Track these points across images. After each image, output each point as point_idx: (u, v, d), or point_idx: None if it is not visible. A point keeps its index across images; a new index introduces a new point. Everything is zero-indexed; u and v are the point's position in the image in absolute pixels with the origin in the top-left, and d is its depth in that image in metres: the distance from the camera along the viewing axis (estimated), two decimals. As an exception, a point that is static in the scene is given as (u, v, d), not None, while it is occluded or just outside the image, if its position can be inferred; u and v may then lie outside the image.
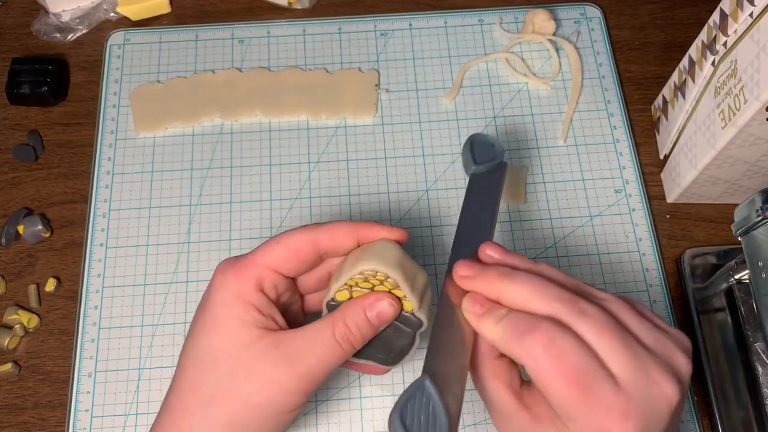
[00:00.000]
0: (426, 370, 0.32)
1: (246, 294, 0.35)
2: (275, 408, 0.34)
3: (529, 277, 0.33)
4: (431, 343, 0.34)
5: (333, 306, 0.37)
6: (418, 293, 0.37)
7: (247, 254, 0.36)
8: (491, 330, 0.33)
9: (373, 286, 0.37)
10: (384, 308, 0.36)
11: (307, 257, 0.36)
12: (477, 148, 0.45)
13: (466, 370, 0.34)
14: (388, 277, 0.36)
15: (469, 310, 0.34)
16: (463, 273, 0.35)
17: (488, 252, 0.36)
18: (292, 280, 0.38)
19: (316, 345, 0.34)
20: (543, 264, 0.35)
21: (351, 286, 0.37)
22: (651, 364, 0.31)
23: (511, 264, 0.35)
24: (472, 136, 0.46)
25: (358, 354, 0.37)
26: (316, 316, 0.38)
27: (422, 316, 0.37)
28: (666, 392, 0.31)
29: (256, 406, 0.34)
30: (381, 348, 0.38)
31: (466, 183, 0.44)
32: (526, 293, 0.33)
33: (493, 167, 0.44)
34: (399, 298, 0.37)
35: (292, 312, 0.39)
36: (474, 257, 0.37)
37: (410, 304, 0.36)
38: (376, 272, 0.36)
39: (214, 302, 0.35)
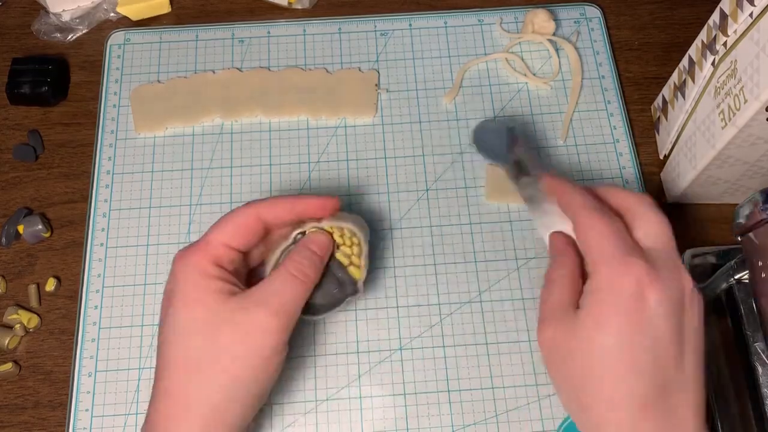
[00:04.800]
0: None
1: (208, 270, 0.38)
2: (262, 352, 0.37)
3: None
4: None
5: (298, 238, 0.43)
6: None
7: (201, 237, 0.40)
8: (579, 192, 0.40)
9: (341, 244, 0.44)
10: (321, 239, 0.42)
11: (254, 230, 0.40)
12: (489, 139, 0.49)
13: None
14: (359, 244, 0.44)
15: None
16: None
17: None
18: (248, 262, 0.42)
19: (280, 284, 0.39)
20: None
21: (325, 230, 0.43)
22: (636, 251, 0.37)
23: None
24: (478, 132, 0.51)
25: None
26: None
27: (361, 287, 0.44)
28: (637, 267, 0.36)
29: (247, 355, 0.37)
30: (315, 294, 0.42)
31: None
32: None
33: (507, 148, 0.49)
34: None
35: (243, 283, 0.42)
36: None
37: (358, 272, 0.44)
38: (354, 233, 0.44)
39: (181, 283, 0.38)
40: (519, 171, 0.47)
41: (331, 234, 0.43)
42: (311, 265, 0.40)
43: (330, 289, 0.43)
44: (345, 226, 0.44)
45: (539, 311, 0.39)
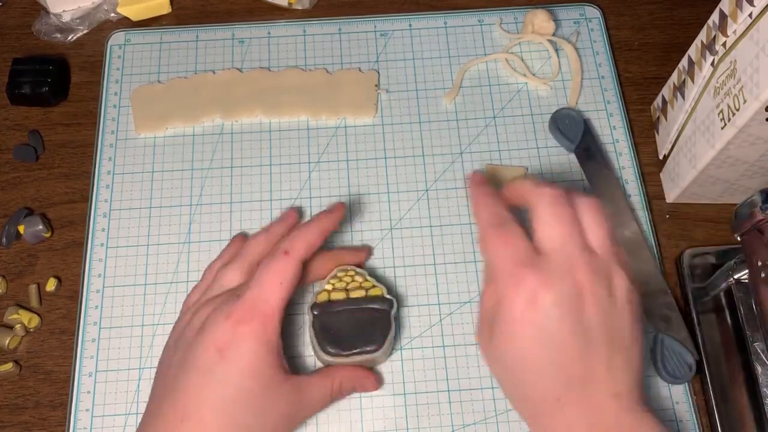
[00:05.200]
0: None
1: (272, 343, 0.40)
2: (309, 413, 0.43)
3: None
4: None
5: (315, 307, 0.45)
6: (384, 282, 0.47)
7: (254, 300, 0.40)
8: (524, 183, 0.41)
9: (347, 284, 0.46)
10: (369, 386, 0.46)
11: (299, 276, 0.43)
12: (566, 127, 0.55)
13: None
14: (357, 273, 0.47)
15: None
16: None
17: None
18: None
19: (318, 395, 0.43)
20: None
21: (329, 291, 0.46)
22: (578, 263, 0.38)
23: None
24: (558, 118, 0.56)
25: (341, 354, 0.44)
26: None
27: (392, 297, 0.45)
28: (584, 284, 0.37)
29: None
30: (363, 339, 0.44)
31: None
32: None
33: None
34: (368, 288, 0.46)
35: None
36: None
37: (379, 290, 0.46)
38: (347, 270, 0.47)
39: (243, 347, 0.39)
40: (586, 157, 0.54)
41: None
42: (346, 394, 0.46)
43: (374, 320, 0.45)
44: (335, 272, 0.47)
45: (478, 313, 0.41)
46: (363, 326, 0.44)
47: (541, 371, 0.37)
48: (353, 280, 0.46)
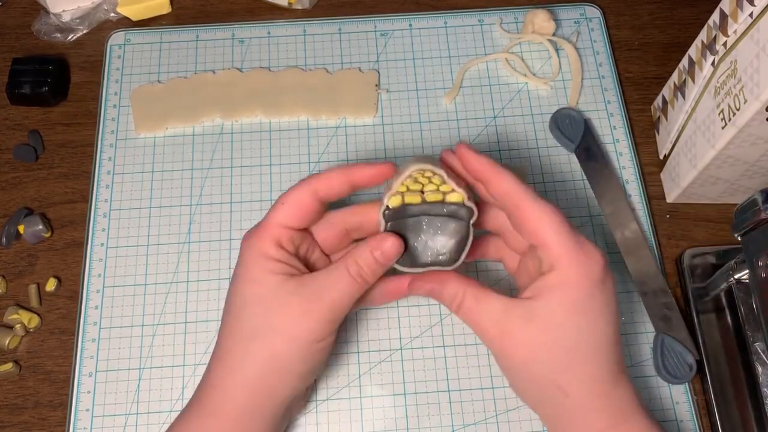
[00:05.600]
0: None
1: (268, 251, 0.40)
2: (309, 336, 0.39)
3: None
4: None
5: (387, 214, 0.40)
6: (465, 185, 0.40)
7: (263, 219, 0.41)
8: (509, 175, 0.39)
9: (423, 186, 0.40)
10: (387, 247, 0.39)
11: (310, 207, 0.41)
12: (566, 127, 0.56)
13: None
14: (435, 174, 0.40)
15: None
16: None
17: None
18: (311, 237, 0.42)
19: (336, 280, 0.39)
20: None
21: (402, 193, 0.40)
22: (584, 238, 0.39)
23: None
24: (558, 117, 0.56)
25: (416, 263, 0.40)
26: None
27: (472, 205, 0.39)
28: (598, 256, 0.38)
29: (293, 337, 0.38)
30: (438, 249, 0.40)
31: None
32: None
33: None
34: (446, 193, 0.40)
35: (317, 269, 0.42)
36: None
37: (459, 196, 0.39)
38: (424, 171, 0.40)
39: (244, 262, 0.40)
40: (587, 157, 0.54)
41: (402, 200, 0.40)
42: (370, 272, 0.40)
43: (452, 229, 0.39)
44: (410, 172, 0.40)
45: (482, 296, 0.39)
46: (438, 236, 0.40)
47: (607, 349, 0.38)
48: (430, 182, 0.40)
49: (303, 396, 0.46)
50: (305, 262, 0.42)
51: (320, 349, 0.39)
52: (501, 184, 0.39)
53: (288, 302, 0.39)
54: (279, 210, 0.40)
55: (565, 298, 0.37)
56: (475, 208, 0.39)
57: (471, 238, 0.39)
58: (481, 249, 0.45)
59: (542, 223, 0.38)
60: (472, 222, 0.39)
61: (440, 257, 0.40)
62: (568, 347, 0.37)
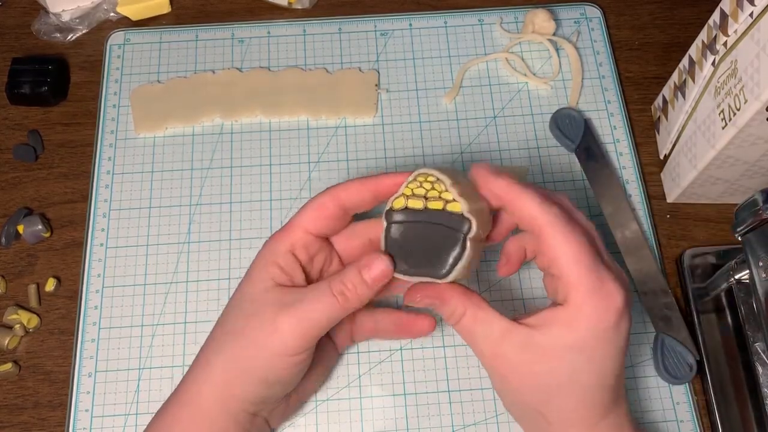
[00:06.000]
0: None
1: (277, 255, 0.40)
2: (279, 348, 0.38)
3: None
4: None
5: (389, 214, 0.39)
6: (468, 196, 0.38)
7: (286, 223, 0.41)
8: (532, 199, 0.37)
9: (426, 191, 0.39)
10: (376, 271, 0.38)
11: (331, 213, 0.40)
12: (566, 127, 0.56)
13: None
14: (438, 180, 0.38)
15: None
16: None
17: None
18: (330, 248, 0.42)
19: (317, 298, 0.38)
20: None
21: (407, 196, 0.39)
22: (609, 276, 0.36)
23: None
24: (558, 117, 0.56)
25: (409, 272, 0.39)
26: None
27: (471, 217, 0.37)
28: (617, 300, 0.36)
29: (261, 345, 0.38)
30: (432, 260, 0.38)
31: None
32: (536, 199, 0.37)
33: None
34: (447, 202, 0.38)
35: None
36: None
37: (458, 206, 0.37)
38: (428, 175, 0.39)
39: (254, 262, 0.41)
40: (587, 157, 0.54)
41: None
42: (354, 293, 0.38)
43: (448, 242, 0.38)
44: (416, 175, 0.39)
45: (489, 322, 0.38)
46: (434, 245, 0.38)
47: (590, 393, 0.36)
48: (433, 188, 0.39)
49: (286, 408, 0.44)
50: (320, 274, 0.42)
51: (293, 363, 0.38)
52: (522, 210, 0.37)
53: (264, 310, 0.38)
54: (303, 213, 0.40)
55: (568, 337, 0.36)
56: (473, 222, 0.37)
57: (467, 252, 0.37)
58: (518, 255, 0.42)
59: (561, 254, 0.36)
60: (470, 236, 0.37)
61: (433, 269, 0.38)
62: (558, 382, 0.36)
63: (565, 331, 0.36)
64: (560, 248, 0.36)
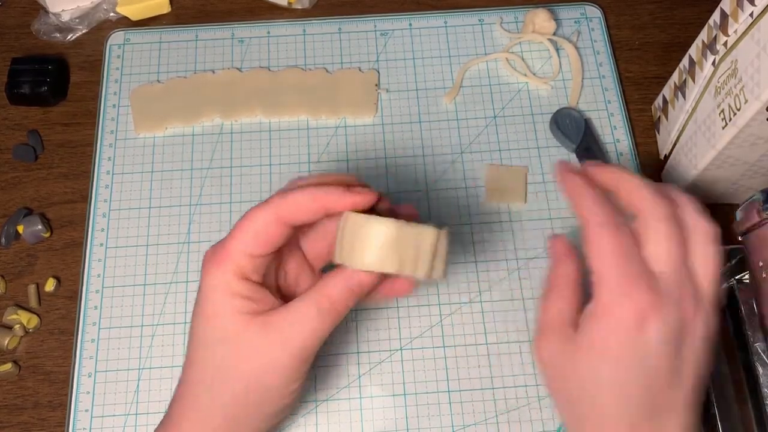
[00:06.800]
0: None
1: (230, 285, 0.36)
2: (278, 382, 0.36)
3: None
4: None
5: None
6: (424, 266, 0.36)
7: (223, 241, 0.37)
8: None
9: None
10: (363, 279, 0.36)
11: (274, 233, 0.37)
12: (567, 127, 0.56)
13: None
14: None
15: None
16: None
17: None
18: (286, 255, 0.40)
19: (303, 321, 0.36)
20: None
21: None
22: (643, 279, 0.34)
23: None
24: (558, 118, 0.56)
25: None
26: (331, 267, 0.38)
27: (437, 275, 0.36)
28: (688, 316, 0.34)
29: (260, 384, 0.36)
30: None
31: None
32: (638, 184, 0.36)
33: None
34: None
35: (297, 290, 0.40)
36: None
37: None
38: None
39: (206, 295, 0.37)
40: (587, 157, 0.54)
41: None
42: (344, 306, 0.37)
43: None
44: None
45: (538, 322, 0.38)
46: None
47: (625, 397, 0.35)
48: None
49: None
50: (279, 287, 0.39)
51: (290, 392, 0.37)
52: (575, 199, 0.37)
53: (255, 346, 0.36)
54: (240, 237, 0.36)
55: (591, 335, 0.35)
56: (440, 275, 0.36)
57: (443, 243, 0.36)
58: None
59: (594, 251, 0.35)
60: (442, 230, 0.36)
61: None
62: (578, 383, 0.35)
63: (587, 327, 0.35)
64: (593, 246, 0.35)
